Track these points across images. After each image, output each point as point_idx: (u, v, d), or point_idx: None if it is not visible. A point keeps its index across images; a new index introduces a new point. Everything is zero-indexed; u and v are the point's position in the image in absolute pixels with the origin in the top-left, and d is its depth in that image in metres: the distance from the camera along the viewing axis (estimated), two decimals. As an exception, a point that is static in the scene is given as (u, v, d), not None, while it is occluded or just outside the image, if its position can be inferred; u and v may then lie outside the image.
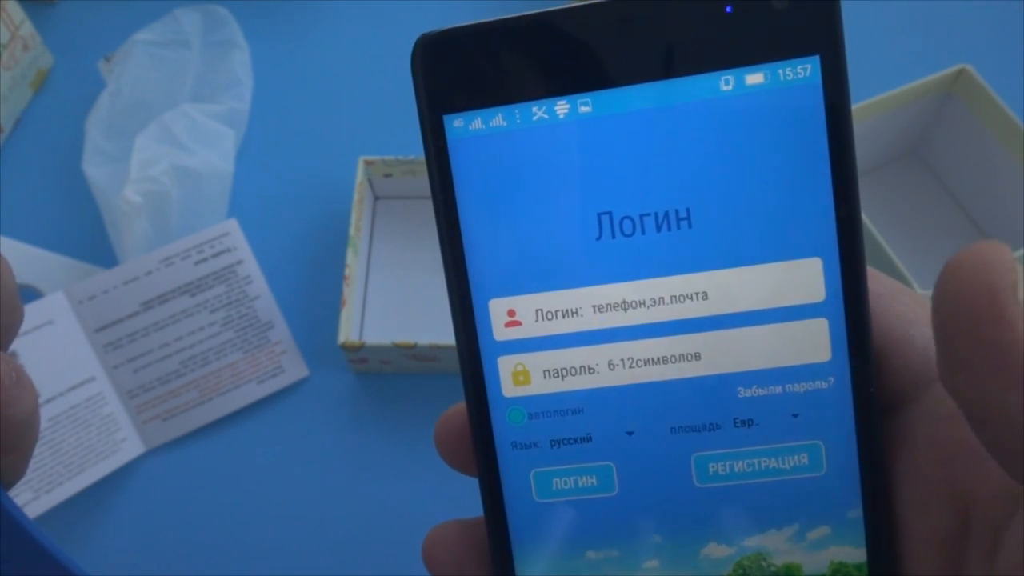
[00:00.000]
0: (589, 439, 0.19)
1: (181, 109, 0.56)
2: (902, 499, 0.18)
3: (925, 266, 0.53)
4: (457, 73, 0.18)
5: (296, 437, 0.53)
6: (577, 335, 0.19)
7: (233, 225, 0.54)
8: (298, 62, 0.65)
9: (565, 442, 0.20)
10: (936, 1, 0.64)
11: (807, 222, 0.18)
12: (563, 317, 0.19)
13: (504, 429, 0.20)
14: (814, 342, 0.18)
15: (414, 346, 0.50)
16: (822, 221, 0.18)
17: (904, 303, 0.18)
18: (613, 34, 0.18)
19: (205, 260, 0.53)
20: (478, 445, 0.20)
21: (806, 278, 0.18)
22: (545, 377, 0.19)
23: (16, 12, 0.60)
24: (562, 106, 0.18)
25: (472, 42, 0.18)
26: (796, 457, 0.19)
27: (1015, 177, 0.51)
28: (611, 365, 0.19)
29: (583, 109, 0.18)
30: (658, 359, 0.19)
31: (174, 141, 0.55)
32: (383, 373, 0.54)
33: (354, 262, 0.53)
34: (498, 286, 0.19)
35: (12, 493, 0.50)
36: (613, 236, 0.19)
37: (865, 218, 0.47)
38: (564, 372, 0.19)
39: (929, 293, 0.46)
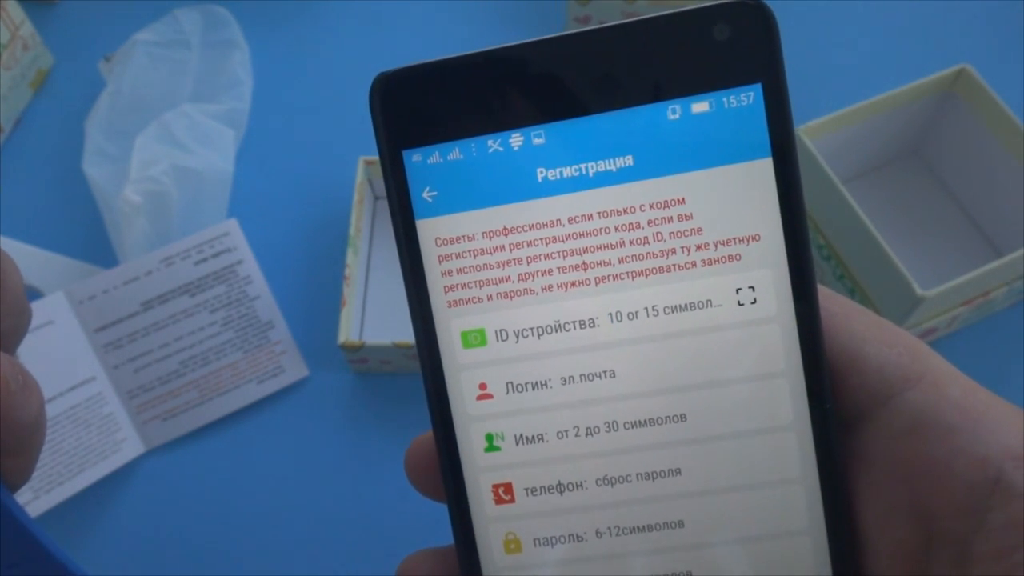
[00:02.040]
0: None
1: (181, 109, 0.56)
2: (864, 515, 0.18)
3: (925, 266, 0.53)
4: (414, 109, 0.19)
5: (296, 437, 0.53)
6: (538, 346, 0.20)
7: (233, 225, 0.54)
8: (298, 62, 0.65)
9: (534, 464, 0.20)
10: (936, 1, 0.64)
11: (757, 237, 0.19)
12: (527, 337, 0.20)
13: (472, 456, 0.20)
14: (770, 355, 0.19)
15: (414, 346, 0.50)
16: (772, 240, 0.19)
17: (860, 322, 0.19)
18: (563, 68, 0.19)
19: (205, 260, 0.53)
20: (446, 474, 0.20)
21: (760, 291, 0.19)
22: (508, 392, 0.20)
23: (16, 12, 0.60)
24: (516, 138, 0.19)
25: (427, 79, 0.19)
26: (758, 475, 0.19)
27: (1015, 177, 0.51)
28: (565, 380, 0.20)
29: (536, 141, 0.19)
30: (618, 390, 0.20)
31: (174, 141, 0.55)
32: (383, 373, 0.54)
33: (354, 262, 0.53)
34: (463, 316, 0.20)
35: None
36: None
37: (865, 218, 0.47)
38: (527, 387, 0.20)
39: (930, 294, 0.45)
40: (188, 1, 0.62)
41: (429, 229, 0.19)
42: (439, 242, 0.19)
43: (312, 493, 0.51)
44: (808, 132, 0.50)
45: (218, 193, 0.57)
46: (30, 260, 0.56)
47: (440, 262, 0.19)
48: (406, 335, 0.51)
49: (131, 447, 0.52)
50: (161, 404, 0.53)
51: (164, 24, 0.60)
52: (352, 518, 0.50)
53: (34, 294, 0.54)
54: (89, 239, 0.58)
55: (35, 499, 0.49)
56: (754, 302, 0.19)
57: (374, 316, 0.55)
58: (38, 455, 0.18)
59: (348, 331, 0.51)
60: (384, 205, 0.59)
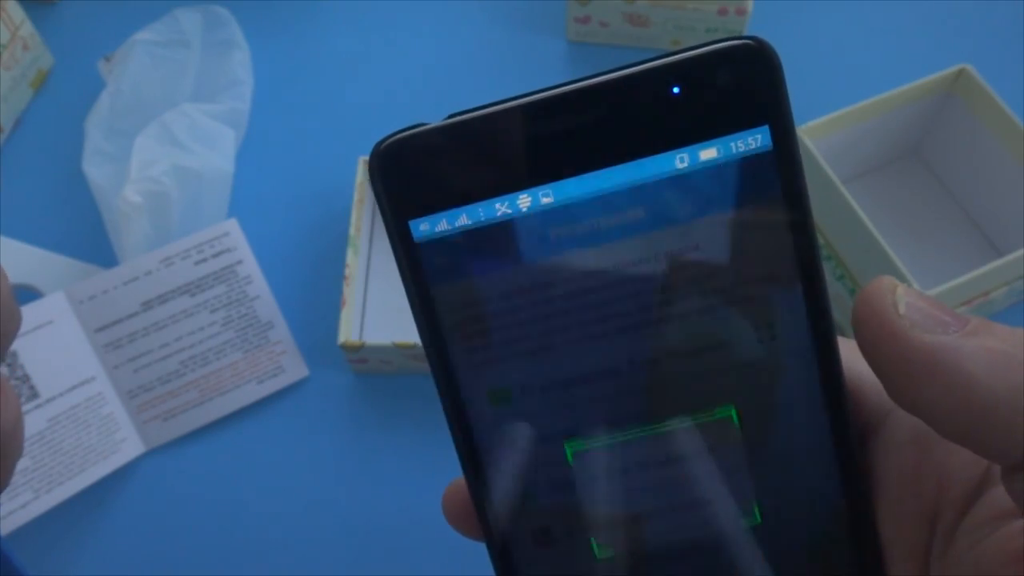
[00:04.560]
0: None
1: (181, 109, 0.56)
2: (881, 523, 0.19)
3: (925, 266, 0.53)
4: (417, 177, 0.19)
5: (296, 437, 0.53)
6: (565, 397, 0.20)
7: (233, 225, 0.54)
8: (298, 62, 0.65)
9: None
10: (936, 1, 0.64)
11: (772, 283, 0.19)
12: (553, 390, 0.20)
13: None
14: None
15: (414, 346, 0.50)
16: (788, 277, 0.19)
17: (847, 347, 0.20)
18: (566, 123, 0.18)
19: (205, 260, 0.53)
20: (484, 524, 0.20)
21: (779, 328, 0.19)
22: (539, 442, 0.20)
23: (16, 12, 0.60)
24: (524, 199, 0.19)
25: (428, 145, 0.18)
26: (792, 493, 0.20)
27: (1015, 177, 0.51)
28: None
29: (545, 200, 0.19)
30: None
31: (174, 141, 0.55)
32: (383, 373, 0.54)
33: (354, 262, 0.53)
34: (488, 377, 0.20)
35: (11, 495, 0.50)
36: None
37: (865, 218, 0.47)
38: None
39: (930, 294, 0.46)
40: (188, 1, 0.62)
41: (444, 295, 0.19)
42: (455, 308, 0.19)
43: (312, 493, 0.51)
44: (808, 132, 0.50)
45: (218, 193, 0.57)
46: (30, 260, 0.56)
47: (459, 327, 0.19)
48: (406, 335, 0.51)
49: (131, 447, 0.52)
50: (161, 404, 0.53)
51: (164, 24, 0.60)
52: (352, 518, 0.50)
53: (34, 294, 0.54)
54: (89, 239, 0.58)
55: (35, 499, 0.49)
56: (773, 339, 0.19)
57: (374, 316, 0.55)
58: (15, 463, 0.18)
59: (348, 331, 0.51)
60: (384, 205, 0.58)
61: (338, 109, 0.62)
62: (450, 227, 0.19)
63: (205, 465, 0.52)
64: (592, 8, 0.61)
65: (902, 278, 0.45)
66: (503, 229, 0.19)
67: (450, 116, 0.19)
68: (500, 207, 0.19)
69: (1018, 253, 0.46)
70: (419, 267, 0.19)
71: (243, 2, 0.65)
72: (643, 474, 0.20)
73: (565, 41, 0.64)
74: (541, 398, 0.20)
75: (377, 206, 0.19)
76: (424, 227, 0.19)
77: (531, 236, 0.19)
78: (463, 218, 0.19)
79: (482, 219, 0.19)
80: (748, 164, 0.18)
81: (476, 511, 0.20)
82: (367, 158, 0.55)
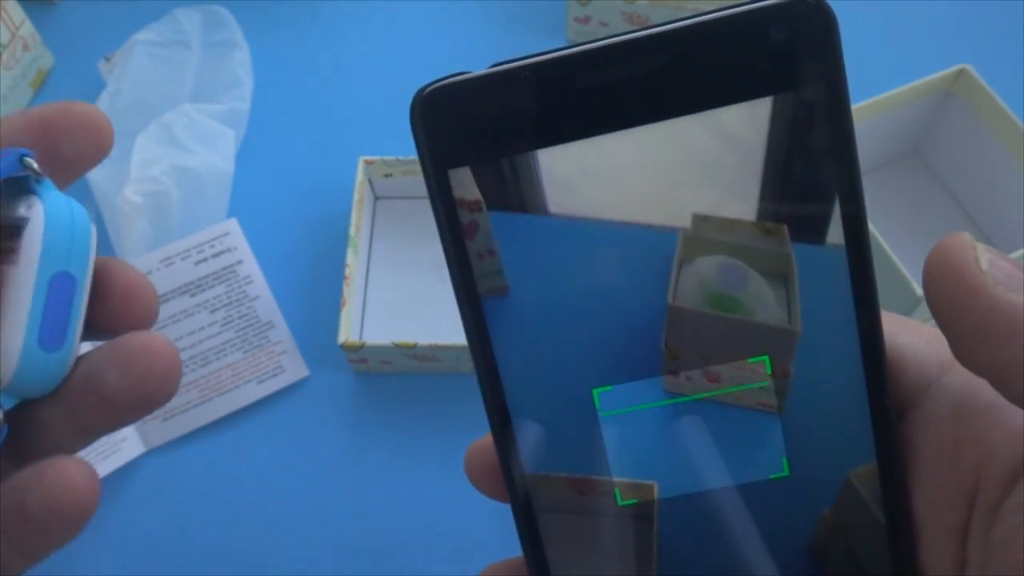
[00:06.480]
0: None
1: (181, 109, 0.56)
2: (915, 499, 0.19)
3: (925, 266, 0.53)
4: (459, 126, 0.18)
5: (296, 437, 0.53)
6: None
7: (233, 225, 0.54)
8: (298, 62, 0.65)
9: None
10: (936, 1, 0.64)
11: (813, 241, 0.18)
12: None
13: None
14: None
15: (414, 346, 0.50)
16: (830, 240, 0.18)
17: (886, 318, 0.19)
18: (615, 77, 0.17)
19: (205, 260, 0.53)
20: (508, 479, 0.20)
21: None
22: None
23: (16, 12, 0.60)
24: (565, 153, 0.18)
25: (472, 94, 0.18)
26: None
27: (1015, 177, 0.51)
28: None
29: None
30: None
31: (174, 141, 0.55)
32: (383, 373, 0.54)
33: (354, 262, 0.53)
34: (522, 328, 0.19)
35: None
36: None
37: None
38: None
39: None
40: (188, 1, 0.62)
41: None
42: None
43: (312, 493, 0.51)
44: (808, 132, 0.50)
45: (218, 193, 0.57)
46: (30, 260, 0.56)
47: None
48: (406, 335, 0.51)
49: (131, 447, 0.52)
50: (161, 404, 0.53)
51: (164, 24, 0.60)
52: (352, 517, 0.50)
53: (34, 294, 0.54)
54: (89, 239, 0.58)
55: (35, 499, 0.49)
56: (813, 303, 0.19)
57: (374, 316, 0.55)
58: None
59: (348, 331, 0.51)
60: (384, 205, 0.59)
61: (338, 109, 0.62)
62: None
63: (205, 465, 0.52)
64: (592, 8, 0.61)
65: (902, 278, 0.45)
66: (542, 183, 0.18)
67: (493, 65, 0.18)
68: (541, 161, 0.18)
69: (1018, 253, 0.46)
70: (457, 218, 0.18)
71: (243, 2, 0.65)
72: (671, 423, 0.19)
73: (565, 41, 0.64)
74: (571, 345, 0.19)
75: (418, 157, 0.19)
76: (463, 178, 0.18)
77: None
78: (504, 170, 0.18)
79: (523, 173, 0.18)
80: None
81: (500, 460, 0.20)
82: (367, 158, 0.55)
